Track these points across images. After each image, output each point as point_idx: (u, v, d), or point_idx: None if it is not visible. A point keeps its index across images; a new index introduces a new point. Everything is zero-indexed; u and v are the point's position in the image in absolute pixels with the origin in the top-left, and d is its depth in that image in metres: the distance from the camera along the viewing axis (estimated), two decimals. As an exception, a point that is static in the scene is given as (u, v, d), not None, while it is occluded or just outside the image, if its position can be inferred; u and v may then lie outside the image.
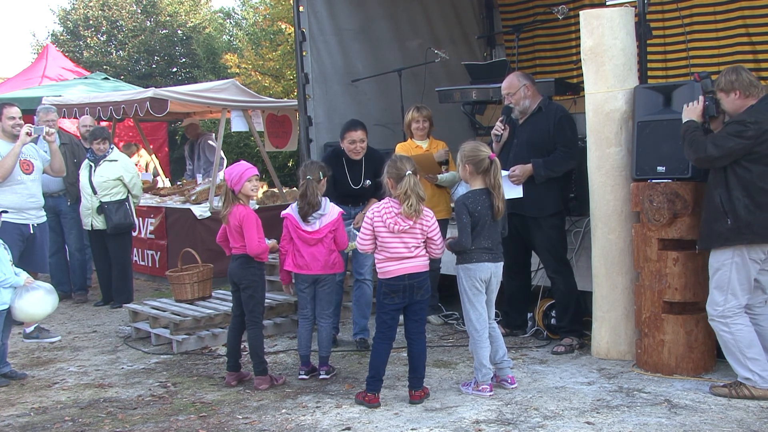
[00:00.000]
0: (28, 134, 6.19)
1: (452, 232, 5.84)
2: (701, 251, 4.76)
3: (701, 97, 4.71)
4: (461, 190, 6.55)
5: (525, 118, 5.77)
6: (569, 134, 5.67)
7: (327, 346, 5.32)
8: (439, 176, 6.36)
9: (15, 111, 6.33)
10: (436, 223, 4.72)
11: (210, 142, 10.69)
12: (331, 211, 5.23)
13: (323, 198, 5.24)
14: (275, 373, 5.36)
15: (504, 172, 5.44)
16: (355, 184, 5.99)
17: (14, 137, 6.22)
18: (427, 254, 4.71)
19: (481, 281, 4.78)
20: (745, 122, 4.42)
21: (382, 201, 4.72)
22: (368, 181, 5.97)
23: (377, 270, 4.74)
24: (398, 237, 4.61)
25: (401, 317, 4.76)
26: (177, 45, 21.65)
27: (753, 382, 4.50)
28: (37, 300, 5.38)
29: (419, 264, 4.66)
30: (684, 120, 4.71)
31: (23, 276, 5.39)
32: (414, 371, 4.71)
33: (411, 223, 4.59)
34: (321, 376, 5.25)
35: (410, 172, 4.59)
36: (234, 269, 5.15)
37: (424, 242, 4.68)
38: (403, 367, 5.10)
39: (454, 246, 4.79)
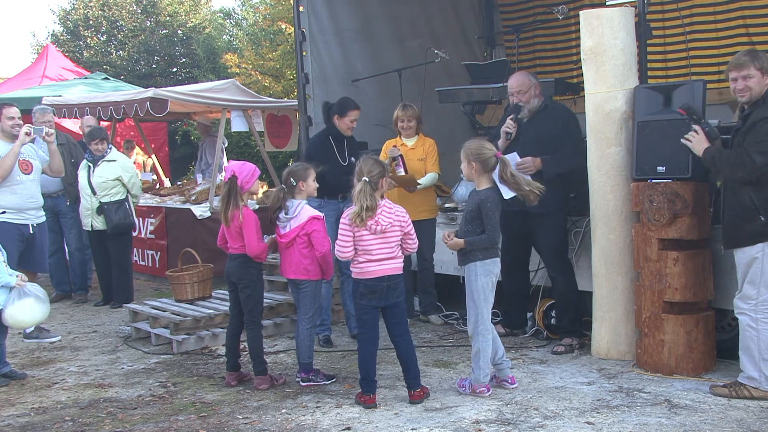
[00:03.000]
0: (27, 134, 6.18)
1: (439, 232, 5.84)
2: (726, 250, 4.69)
3: (697, 127, 4.72)
4: (462, 189, 6.55)
5: (530, 116, 5.78)
6: (577, 133, 5.72)
7: (305, 351, 5.13)
8: (418, 185, 6.40)
9: (14, 111, 6.33)
10: (410, 218, 4.73)
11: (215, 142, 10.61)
12: (300, 214, 5.06)
13: (299, 201, 5.09)
14: (275, 373, 5.36)
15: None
16: (343, 160, 6.16)
17: (13, 137, 6.21)
18: (401, 255, 4.70)
19: (495, 276, 4.81)
20: None
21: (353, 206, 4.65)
22: (352, 158, 6.12)
23: (354, 270, 4.71)
24: (380, 237, 4.60)
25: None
26: (177, 45, 21.63)
27: (757, 383, 4.48)
28: (27, 308, 5.32)
29: (398, 266, 4.67)
30: (699, 152, 4.68)
31: (18, 277, 5.35)
32: (407, 372, 4.71)
33: (390, 221, 4.58)
34: (302, 384, 5.10)
35: (366, 178, 4.58)
36: (232, 269, 5.15)
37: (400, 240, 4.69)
38: (403, 367, 5.10)
39: (483, 242, 4.73)
